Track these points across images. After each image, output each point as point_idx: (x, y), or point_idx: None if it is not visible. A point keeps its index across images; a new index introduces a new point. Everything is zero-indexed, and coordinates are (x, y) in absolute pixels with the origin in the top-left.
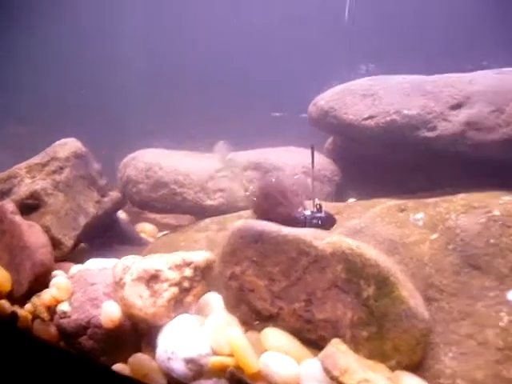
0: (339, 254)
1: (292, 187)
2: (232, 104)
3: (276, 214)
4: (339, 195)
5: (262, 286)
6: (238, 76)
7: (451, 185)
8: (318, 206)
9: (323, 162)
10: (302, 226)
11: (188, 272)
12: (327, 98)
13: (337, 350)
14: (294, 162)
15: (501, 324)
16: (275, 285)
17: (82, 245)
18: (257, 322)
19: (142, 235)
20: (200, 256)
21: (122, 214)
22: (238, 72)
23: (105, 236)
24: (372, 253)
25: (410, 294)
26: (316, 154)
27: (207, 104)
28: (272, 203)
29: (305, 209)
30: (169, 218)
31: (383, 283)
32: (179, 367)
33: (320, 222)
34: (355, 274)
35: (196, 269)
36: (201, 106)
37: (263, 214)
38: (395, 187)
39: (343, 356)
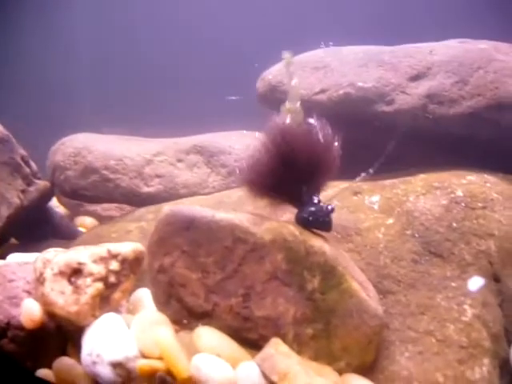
0: (280, 241)
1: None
2: (187, 89)
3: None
4: None
5: (195, 279)
6: (190, 61)
7: (413, 164)
8: (328, 207)
9: None
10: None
11: (114, 265)
12: (275, 72)
13: (276, 351)
14: (241, 145)
15: (464, 319)
16: (209, 278)
17: (13, 240)
18: (185, 321)
19: (81, 229)
20: (128, 247)
21: (58, 208)
22: (189, 58)
23: (37, 230)
24: (317, 240)
25: (361, 286)
26: None
27: (160, 91)
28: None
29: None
30: (113, 211)
31: (330, 274)
32: (105, 372)
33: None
34: (298, 263)
35: (123, 262)
36: (154, 93)
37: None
38: (353, 168)
39: (283, 358)
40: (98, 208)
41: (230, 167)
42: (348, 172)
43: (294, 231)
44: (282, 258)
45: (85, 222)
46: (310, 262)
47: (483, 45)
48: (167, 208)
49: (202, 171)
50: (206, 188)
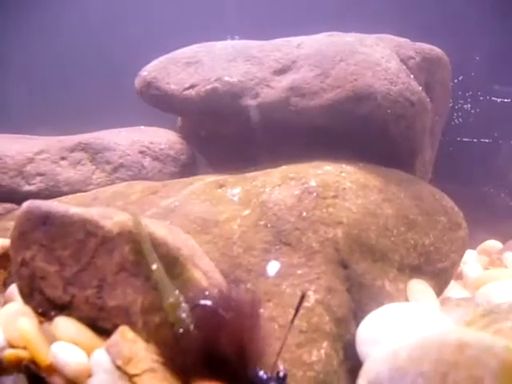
0: (126, 233)
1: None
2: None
3: (221, 371)
4: (188, 174)
5: (53, 271)
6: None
7: (284, 157)
8: (280, 375)
9: (170, 141)
10: None
11: None
12: (150, 69)
13: (121, 338)
14: (127, 141)
15: (306, 304)
16: (66, 270)
17: None
18: (52, 313)
19: None
20: None
21: None
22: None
23: None
24: (161, 231)
25: (205, 275)
26: (165, 132)
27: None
28: (218, 354)
29: (260, 365)
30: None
31: (173, 264)
32: None
33: None
34: (143, 255)
35: None
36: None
37: (195, 369)
38: (236, 161)
39: (128, 344)
40: None
41: (114, 163)
42: (236, 165)
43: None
44: (129, 249)
45: None
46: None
47: (349, 38)
48: (25, 204)
49: (86, 168)
50: (89, 185)
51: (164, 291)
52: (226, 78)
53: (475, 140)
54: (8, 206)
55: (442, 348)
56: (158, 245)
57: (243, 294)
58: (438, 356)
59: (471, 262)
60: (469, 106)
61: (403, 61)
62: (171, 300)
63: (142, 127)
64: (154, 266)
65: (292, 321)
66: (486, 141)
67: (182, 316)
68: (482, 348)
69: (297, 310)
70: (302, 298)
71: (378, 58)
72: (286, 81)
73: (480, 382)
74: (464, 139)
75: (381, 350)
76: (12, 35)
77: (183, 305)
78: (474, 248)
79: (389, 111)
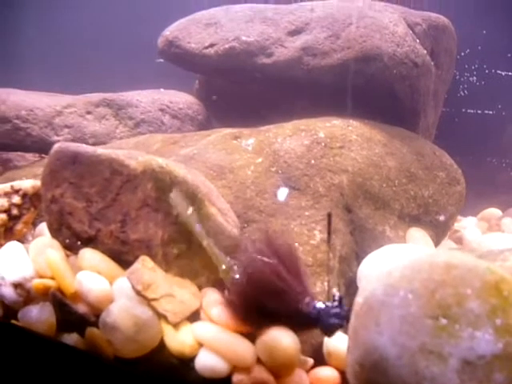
0: (149, 171)
1: (290, 260)
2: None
3: (275, 306)
4: None
5: (80, 207)
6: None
7: (298, 115)
8: (336, 298)
9: (188, 102)
10: (315, 326)
11: (16, 199)
12: (172, 29)
13: (142, 266)
14: (149, 99)
15: (312, 242)
16: (92, 206)
17: None
18: (79, 243)
19: None
20: (28, 183)
21: None
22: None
23: None
24: (181, 171)
25: (220, 212)
26: (183, 94)
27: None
28: (268, 291)
29: (312, 298)
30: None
31: (191, 200)
32: (9, 293)
33: (341, 322)
34: (164, 191)
35: (24, 196)
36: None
37: (253, 306)
38: (249, 121)
39: (148, 272)
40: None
41: (136, 119)
42: (240, 121)
43: (161, 163)
44: (152, 186)
45: None
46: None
47: (360, 3)
48: (56, 145)
49: (110, 123)
50: (113, 138)
51: (216, 261)
52: (244, 38)
53: (479, 111)
54: (37, 154)
55: (431, 268)
56: (177, 183)
57: (280, 241)
58: (428, 275)
59: (471, 227)
60: (474, 78)
61: (410, 26)
62: (224, 267)
63: (162, 90)
64: (205, 242)
65: (328, 240)
66: (490, 112)
67: (236, 277)
68: (467, 269)
69: (329, 229)
70: (329, 217)
71: (386, 23)
72: (299, 41)
73: (464, 297)
74: (468, 110)
75: (376, 271)
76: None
77: (235, 267)
78: (475, 216)
79: (394, 71)
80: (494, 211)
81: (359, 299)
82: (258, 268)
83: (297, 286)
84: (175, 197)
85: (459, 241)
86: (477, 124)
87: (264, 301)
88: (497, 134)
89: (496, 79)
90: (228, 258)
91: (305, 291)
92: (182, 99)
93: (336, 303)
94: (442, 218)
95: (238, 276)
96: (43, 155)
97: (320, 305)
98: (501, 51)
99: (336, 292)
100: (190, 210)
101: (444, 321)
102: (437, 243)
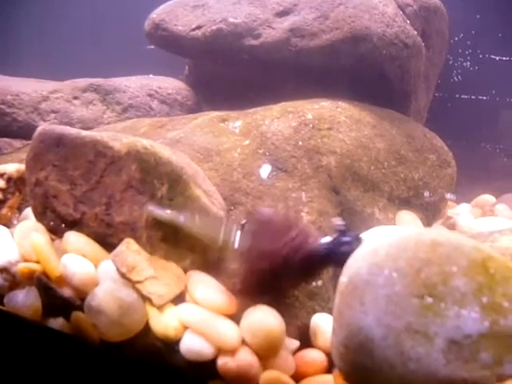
0: (134, 153)
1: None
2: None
3: (290, 253)
4: None
5: (65, 190)
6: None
7: (286, 97)
8: (341, 227)
9: (177, 87)
10: (330, 261)
11: (1, 183)
12: (159, 11)
13: (127, 248)
14: (137, 84)
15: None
16: (77, 189)
17: None
18: (63, 226)
19: None
20: (13, 167)
21: None
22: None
23: None
24: (166, 152)
25: (205, 194)
26: (172, 80)
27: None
28: (276, 240)
29: (316, 237)
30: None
31: (176, 182)
32: None
33: (351, 246)
34: (149, 173)
35: (9, 180)
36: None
37: (267, 267)
38: (238, 104)
39: (132, 254)
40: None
41: (124, 104)
42: (229, 104)
43: (145, 144)
44: (136, 168)
45: None
46: (159, 172)
47: None
48: (40, 127)
49: (98, 108)
50: (101, 124)
51: (210, 242)
52: (231, 19)
53: (473, 97)
54: (24, 140)
55: (416, 247)
56: (162, 164)
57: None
58: (413, 254)
59: (465, 213)
60: (468, 63)
61: (400, 7)
62: (220, 240)
63: (151, 75)
64: (194, 230)
65: None
66: (484, 98)
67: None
68: (453, 246)
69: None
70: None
71: (375, 3)
72: (287, 22)
73: (450, 276)
74: (462, 96)
75: (361, 249)
76: None
77: (232, 237)
78: (468, 203)
79: (384, 52)
80: (487, 197)
81: (344, 278)
82: (262, 221)
83: (300, 233)
84: (152, 209)
85: (452, 227)
86: (470, 109)
87: (275, 252)
88: (491, 119)
89: (490, 64)
90: (221, 229)
91: (308, 234)
92: (171, 85)
93: (341, 231)
94: (426, 194)
95: (240, 243)
96: (30, 141)
97: (326, 239)
98: (495, 36)
99: (339, 221)
100: (168, 211)
101: (430, 299)
102: (427, 226)
